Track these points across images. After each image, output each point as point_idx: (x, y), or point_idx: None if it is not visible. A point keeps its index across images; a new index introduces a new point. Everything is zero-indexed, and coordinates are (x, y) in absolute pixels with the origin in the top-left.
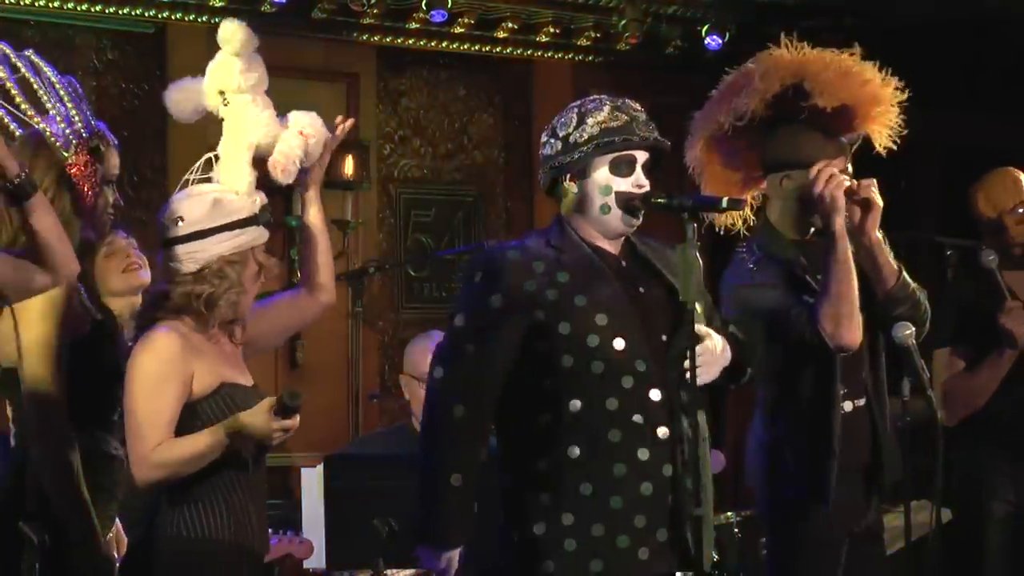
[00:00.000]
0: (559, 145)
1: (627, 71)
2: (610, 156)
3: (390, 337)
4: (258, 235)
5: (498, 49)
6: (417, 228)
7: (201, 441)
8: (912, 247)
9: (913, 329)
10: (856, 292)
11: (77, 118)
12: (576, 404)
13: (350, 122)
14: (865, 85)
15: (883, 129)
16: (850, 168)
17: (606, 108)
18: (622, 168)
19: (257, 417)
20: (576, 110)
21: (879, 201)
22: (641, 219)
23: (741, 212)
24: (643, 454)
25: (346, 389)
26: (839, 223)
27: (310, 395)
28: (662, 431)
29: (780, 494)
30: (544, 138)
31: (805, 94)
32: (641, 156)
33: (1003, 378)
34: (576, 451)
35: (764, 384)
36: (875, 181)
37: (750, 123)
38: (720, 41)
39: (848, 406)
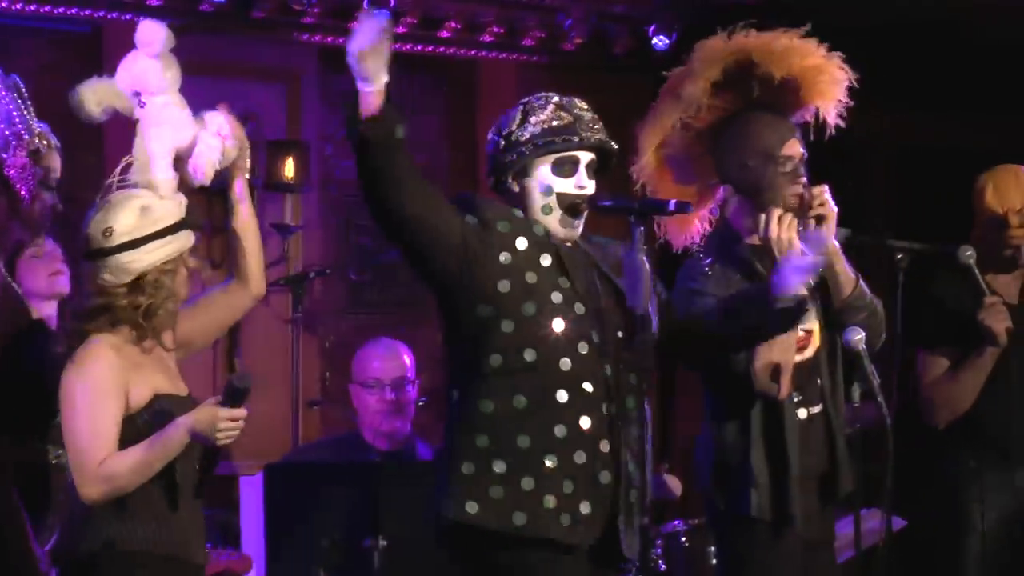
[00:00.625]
0: (502, 143)
1: (573, 71)
2: (552, 156)
3: (332, 343)
4: (187, 239)
5: (441, 49)
6: (360, 231)
7: (148, 449)
8: (861, 249)
9: (863, 334)
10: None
11: (17, 118)
12: (531, 354)
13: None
14: (808, 56)
15: (831, 102)
16: (805, 152)
17: (550, 107)
18: (564, 168)
19: (202, 412)
20: (521, 108)
21: (833, 209)
22: (582, 224)
23: (700, 229)
24: (584, 422)
25: (287, 396)
26: None
27: (250, 403)
28: (606, 407)
29: (732, 506)
30: (490, 135)
31: (751, 76)
32: (585, 157)
33: (986, 378)
34: (522, 400)
35: (711, 392)
36: (827, 187)
37: (699, 125)
38: (668, 41)
39: (803, 413)
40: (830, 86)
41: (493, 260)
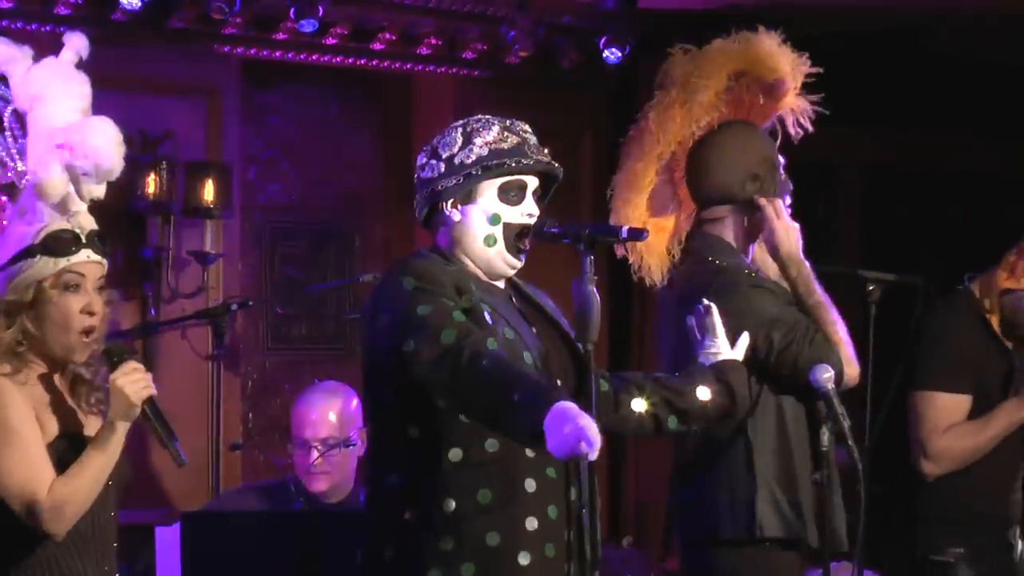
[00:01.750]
0: (442, 167)
1: (517, 87)
2: (499, 181)
3: (255, 382)
4: (82, 258)
5: (374, 62)
6: (285, 261)
7: (89, 459)
8: (831, 279)
9: (832, 372)
10: None
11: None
12: (494, 444)
13: None
14: (783, 57)
15: (798, 107)
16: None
17: (495, 128)
18: (511, 195)
19: (113, 394)
20: (460, 129)
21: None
22: (523, 259)
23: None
24: (552, 512)
25: (206, 439)
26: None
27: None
28: (572, 491)
29: (765, 530)
30: (422, 160)
31: (740, 84)
32: (532, 182)
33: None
34: (488, 495)
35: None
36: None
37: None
38: (620, 55)
39: None
40: (796, 87)
41: None
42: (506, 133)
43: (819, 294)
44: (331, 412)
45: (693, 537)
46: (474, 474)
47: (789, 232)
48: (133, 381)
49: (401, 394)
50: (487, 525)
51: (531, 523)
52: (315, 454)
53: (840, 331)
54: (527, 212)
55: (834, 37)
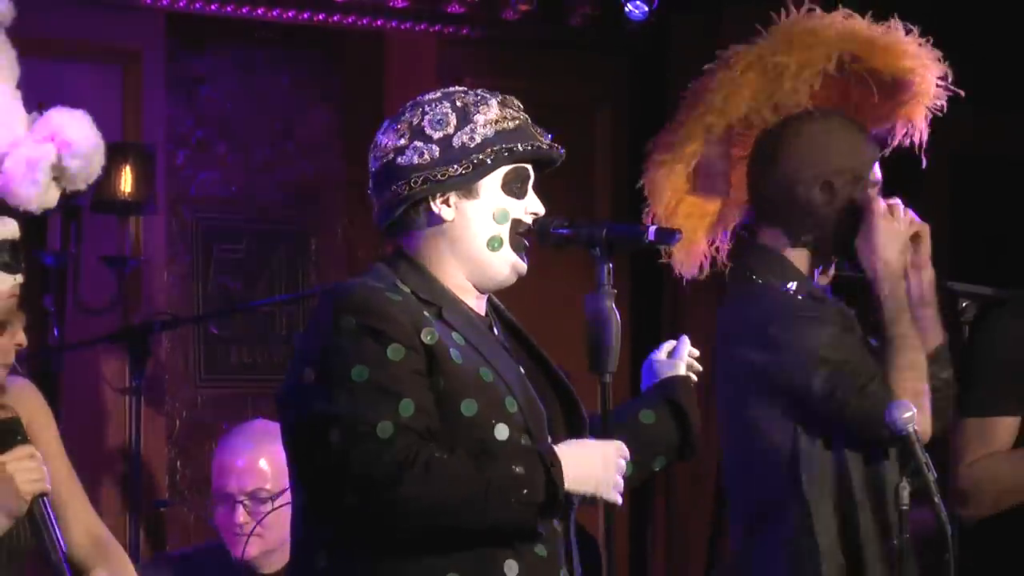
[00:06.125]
0: (435, 151)
1: (517, 50)
2: (504, 170)
3: (184, 421)
4: None
5: (336, 18)
6: (222, 268)
7: None
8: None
9: (913, 411)
10: None
11: None
12: None
13: None
14: (909, 56)
15: (919, 116)
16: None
17: (493, 104)
18: (514, 187)
19: (2, 478)
20: (448, 104)
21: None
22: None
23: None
24: None
25: (120, 493)
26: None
27: None
28: (562, 573)
29: None
30: (396, 141)
31: (850, 72)
32: (532, 173)
33: None
34: None
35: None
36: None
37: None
38: (646, 9)
39: None
40: (923, 96)
41: (443, 394)
42: (506, 110)
43: (904, 325)
44: (262, 458)
45: None
46: (434, 556)
47: (893, 238)
48: (26, 470)
49: None
50: None
51: None
52: (240, 511)
53: (913, 379)
54: (531, 209)
55: None
